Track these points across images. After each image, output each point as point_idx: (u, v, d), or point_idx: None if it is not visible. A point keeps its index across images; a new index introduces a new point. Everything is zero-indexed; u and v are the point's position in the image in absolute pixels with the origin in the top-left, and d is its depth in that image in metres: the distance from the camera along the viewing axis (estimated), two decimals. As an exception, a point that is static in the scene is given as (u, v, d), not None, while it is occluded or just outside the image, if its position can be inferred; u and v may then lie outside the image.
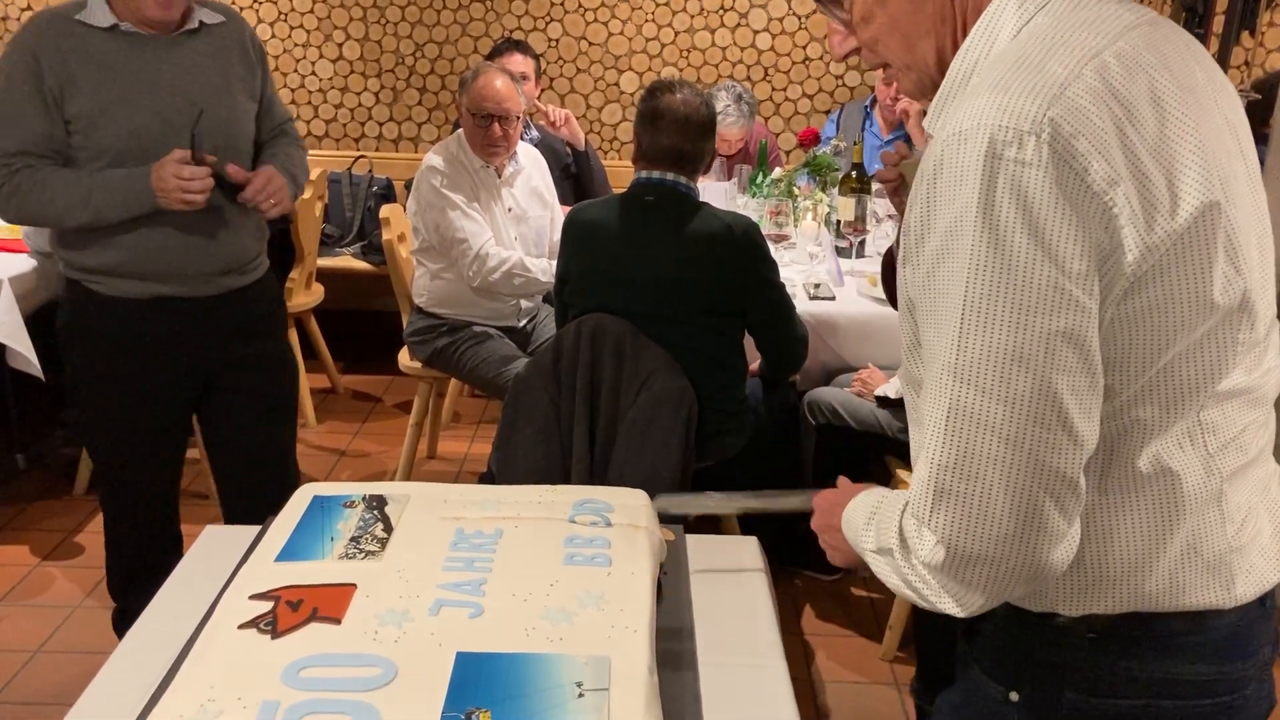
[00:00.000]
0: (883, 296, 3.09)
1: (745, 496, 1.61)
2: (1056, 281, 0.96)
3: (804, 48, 4.96)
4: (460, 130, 3.34)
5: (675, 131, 2.50)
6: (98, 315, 2.20)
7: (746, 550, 1.60)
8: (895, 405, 2.85)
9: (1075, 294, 0.97)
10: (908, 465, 2.85)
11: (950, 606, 1.03)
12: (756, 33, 4.94)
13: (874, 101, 4.43)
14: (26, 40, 2.06)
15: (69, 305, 2.25)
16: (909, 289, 1.09)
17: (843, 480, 1.32)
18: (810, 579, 3.19)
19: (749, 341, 2.71)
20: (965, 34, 1.09)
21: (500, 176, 3.33)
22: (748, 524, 2.75)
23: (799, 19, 4.93)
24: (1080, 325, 0.97)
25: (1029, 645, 1.11)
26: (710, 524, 2.78)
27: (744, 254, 2.50)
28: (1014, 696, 1.13)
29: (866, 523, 1.13)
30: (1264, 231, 1.12)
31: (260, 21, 5.05)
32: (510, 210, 3.37)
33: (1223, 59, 3.13)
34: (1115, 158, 0.97)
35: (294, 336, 4.26)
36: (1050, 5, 1.06)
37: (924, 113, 1.14)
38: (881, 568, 1.11)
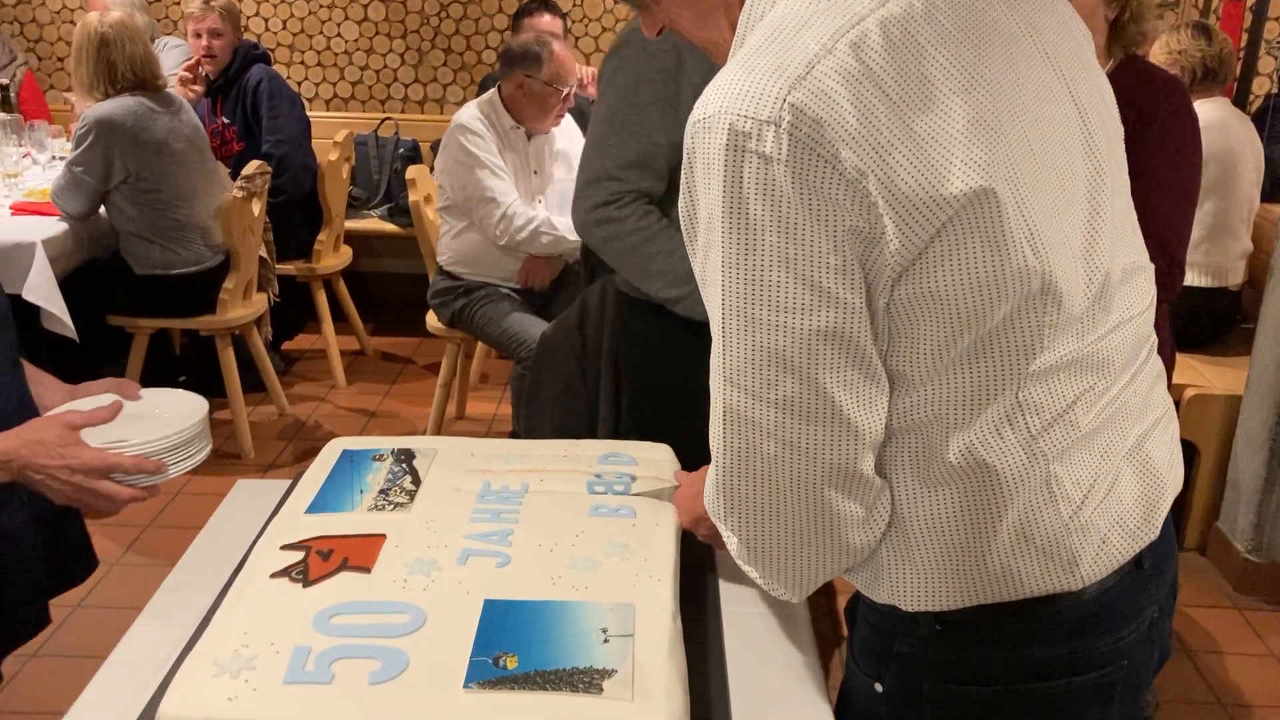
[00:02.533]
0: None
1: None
2: (811, 279, 0.91)
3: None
4: (493, 92, 3.34)
5: None
6: None
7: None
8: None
9: (833, 290, 0.91)
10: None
11: (777, 592, 1.05)
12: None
13: None
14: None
15: None
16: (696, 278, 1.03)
17: (680, 475, 1.37)
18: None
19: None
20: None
21: (529, 139, 3.34)
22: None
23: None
24: (842, 321, 0.92)
25: (887, 637, 1.09)
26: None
27: None
28: (879, 687, 1.11)
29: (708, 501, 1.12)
30: (1092, 186, 1.04)
31: (285, -17, 5.05)
32: (536, 173, 3.38)
33: None
34: (864, 145, 0.89)
35: (322, 299, 4.30)
36: None
37: None
38: (728, 539, 1.09)
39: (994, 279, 0.93)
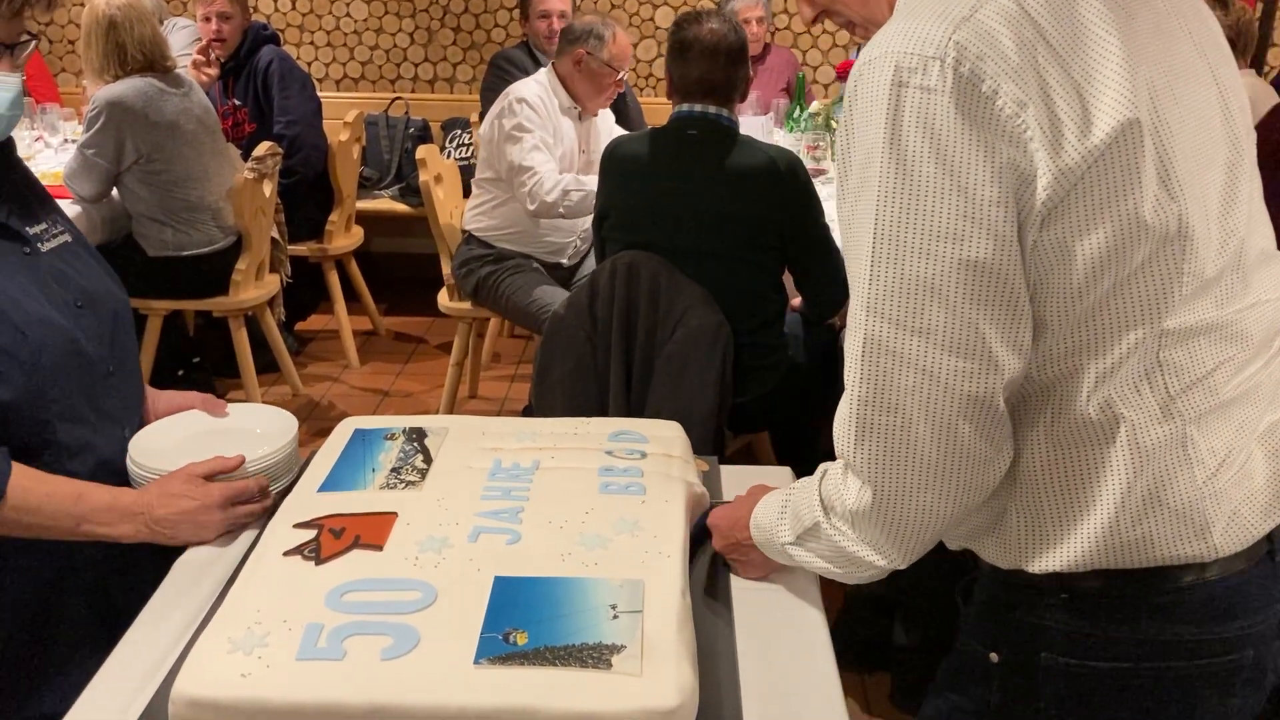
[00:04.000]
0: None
1: None
2: (966, 210, 0.94)
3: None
4: (550, 70, 3.37)
5: (705, 61, 2.49)
6: None
7: (780, 479, 1.61)
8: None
9: (987, 221, 0.94)
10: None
11: (875, 559, 1.06)
12: (793, -36, 4.86)
13: None
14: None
15: None
16: (839, 225, 1.06)
17: (727, 507, 1.36)
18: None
19: (789, 278, 2.70)
20: None
21: (582, 120, 3.37)
22: (783, 458, 2.76)
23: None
24: (994, 253, 0.95)
25: (1009, 606, 1.09)
26: (745, 455, 2.80)
27: (787, 188, 2.48)
28: (994, 657, 1.11)
29: (779, 516, 1.16)
30: (1231, 160, 1.07)
31: (294, -37, 5.04)
32: (583, 152, 3.41)
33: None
34: (1025, 79, 0.93)
35: (335, 279, 4.31)
36: None
37: None
38: (803, 554, 1.14)
39: (1134, 216, 0.95)
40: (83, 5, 3.42)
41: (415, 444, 1.53)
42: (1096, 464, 1.00)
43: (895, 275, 0.96)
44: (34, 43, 1.46)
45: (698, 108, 2.53)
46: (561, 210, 3.24)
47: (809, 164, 3.43)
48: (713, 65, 2.49)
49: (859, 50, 4.52)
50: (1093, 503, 1.01)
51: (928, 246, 0.95)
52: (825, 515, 1.09)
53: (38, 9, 1.41)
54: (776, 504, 1.19)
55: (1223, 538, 1.02)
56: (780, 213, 2.50)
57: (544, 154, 3.24)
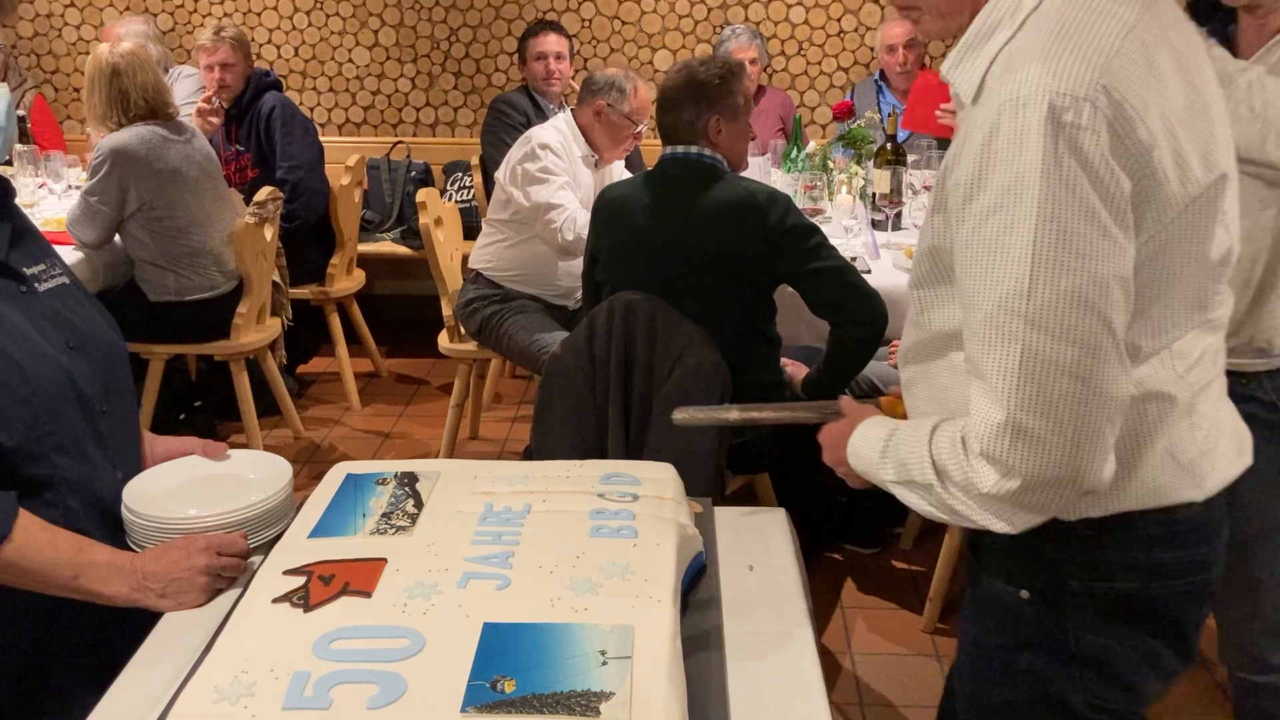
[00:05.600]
0: (919, 268, 3.06)
1: (762, 408, 1.68)
2: (1110, 231, 1.08)
3: (838, 20, 4.92)
4: (568, 116, 3.43)
5: (660, 109, 2.61)
6: None
7: (774, 521, 1.61)
8: (932, 377, 2.83)
9: (1123, 243, 1.10)
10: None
11: (999, 526, 1.17)
12: (790, 6, 4.91)
13: (882, 74, 4.55)
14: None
15: None
16: (940, 238, 1.22)
17: (846, 402, 1.47)
18: (851, 552, 3.19)
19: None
20: None
21: (597, 168, 3.41)
22: (785, 498, 2.75)
23: (833, -10, 4.88)
24: (1128, 269, 1.11)
25: (1036, 549, 1.25)
26: (746, 496, 2.79)
27: (766, 220, 2.47)
28: (1024, 595, 1.28)
29: (881, 457, 1.28)
30: (1232, 182, 1.24)
31: (296, 10, 5.11)
32: None
33: None
34: (1154, 123, 1.09)
35: (336, 322, 4.33)
36: None
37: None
38: (906, 494, 1.26)
39: (1208, 252, 1.17)
40: (88, 54, 3.46)
41: (406, 488, 1.53)
42: (1130, 431, 1.18)
43: (1054, 291, 1.08)
44: (2, 55, 1.48)
45: (679, 149, 2.58)
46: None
47: (806, 203, 3.45)
48: (664, 110, 2.60)
49: (854, 91, 4.57)
50: (1126, 462, 1.18)
51: (1081, 264, 1.07)
52: (941, 482, 1.19)
53: None
54: (877, 442, 1.29)
55: (1212, 484, 1.25)
56: (760, 245, 2.48)
57: (570, 193, 3.30)
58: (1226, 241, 1.19)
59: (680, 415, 1.65)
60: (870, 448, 1.30)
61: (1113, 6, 1.13)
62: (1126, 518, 1.22)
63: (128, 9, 5.09)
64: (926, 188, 3.70)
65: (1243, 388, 1.74)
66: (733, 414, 1.63)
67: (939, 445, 1.19)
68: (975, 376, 1.15)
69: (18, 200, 1.62)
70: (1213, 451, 1.25)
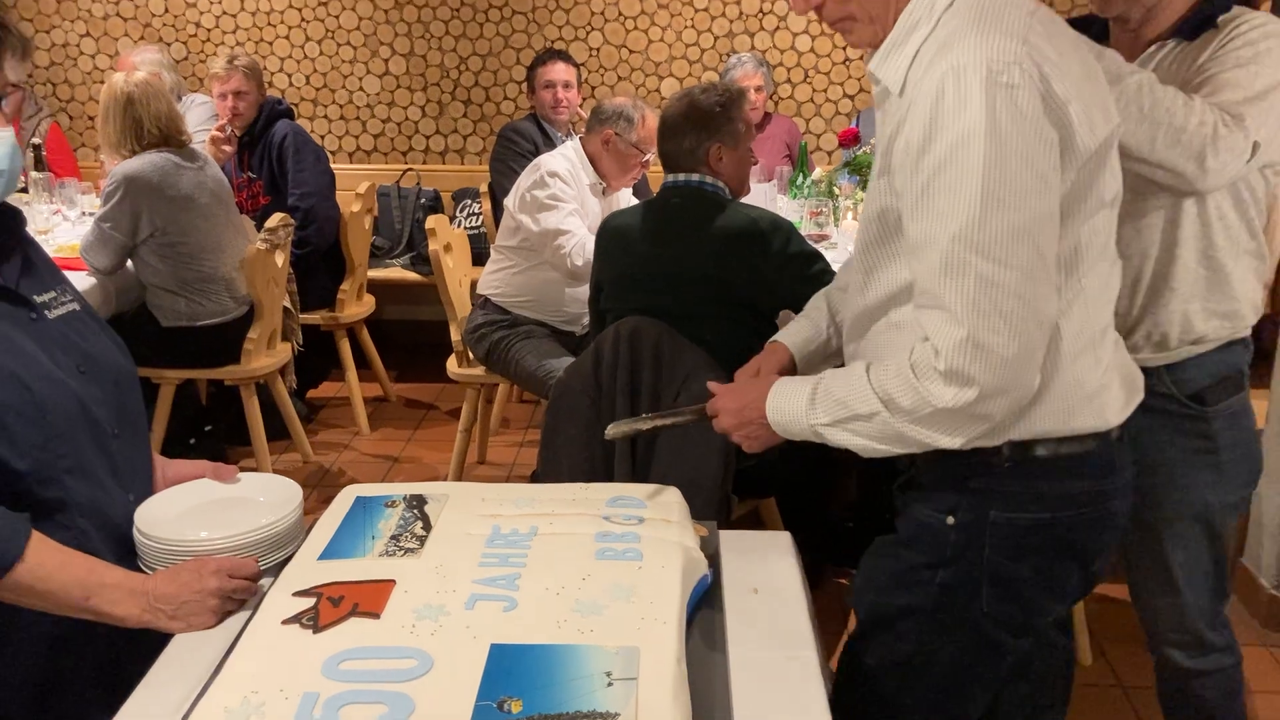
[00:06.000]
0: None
1: (670, 414, 1.74)
2: (1042, 172, 1.26)
3: (844, 48, 4.96)
4: (577, 145, 3.46)
5: (661, 137, 2.64)
6: None
7: (779, 545, 1.62)
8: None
9: (1052, 181, 1.28)
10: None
11: (947, 441, 1.34)
12: (796, 35, 4.96)
13: None
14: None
15: None
16: (886, 198, 1.39)
17: (733, 390, 1.60)
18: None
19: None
20: None
21: (605, 195, 3.44)
22: (791, 522, 2.76)
23: (839, 19, 4.93)
24: (1054, 205, 1.29)
25: (962, 477, 1.44)
26: (750, 521, 2.79)
27: (766, 245, 2.49)
28: (950, 520, 1.46)
29: (810, 403, 1.42)
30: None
31: (308, 39, 5.17)
32: None
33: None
34: (1066, 85, 1.28)
35: (346, 347, 4.36)
36: None
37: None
38: (841, 434, 1.41)
39: (1104, 193, 1.36)
40: (103, 82, 3.51)
41: (415, 511, 1.54)
42: (1048, 355, 1.34)
43: (998, 224, 1.25)
44: (19, 94, 1.50)
45: (680, 177, 2.60)
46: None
47: (812, 229, 3.47)
48: (665, 138, 2.63)
49: (859, 118, 4.59)
50: (1043, 384, 1.35)
51: (1021, 201, 1.25)
52: (887, 409, 1.35)
53: (11, 61, 1.45)
54: (803, 393, 1.44)
55: (1112, 415, 1.43)
56: (763, 272, 2.50)
57: (578, 220, 3.33)
58: (1115, 186, 1.39)
59: (612, 431, 1.71)
60: (795, 398, 1.45)
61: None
62: (1039, 454, 1.41)
63: (142, 38, 5.16)
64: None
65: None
66: (646, 424, 1.70)
67: (881, 378, 1.35)
68: (932, 308, 1.31)
69: (32, 226, 1.65)
70: (1110, 387, 1.43)
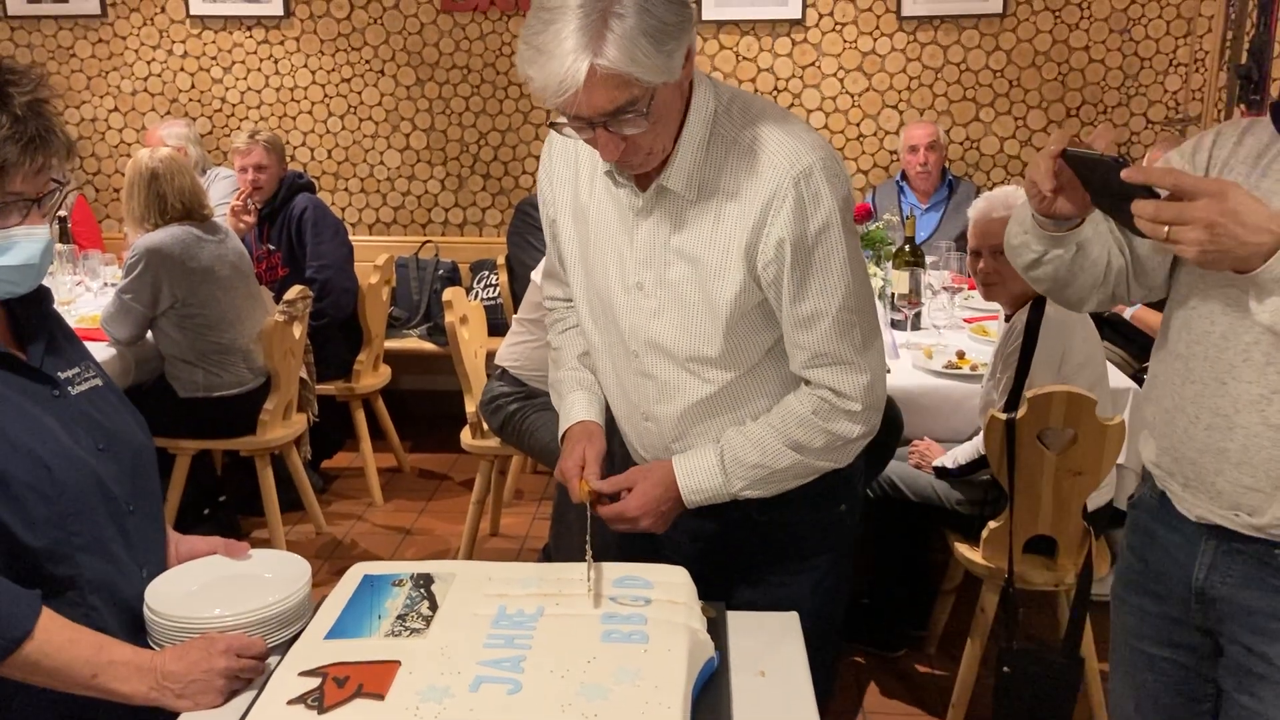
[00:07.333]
0: (938, 369, 3.09)
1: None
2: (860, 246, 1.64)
3: (858, 125, 5.03)
4: None
5: None
6: None
7: (787, 626, 1.61)
8: (953, 476, 2.83)
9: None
10: (966, 538, 2.82)
11: (847, 460, 1.69)
12: (810, 111, 5.02)
13: (903, 175, 4.66)
14: None
15: None
16: (751, 295, 1.60)
17: (637, 496, 1.67)
18: (873, 655, 3.15)
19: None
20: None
21: None
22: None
23: (852, 97, 5.00)
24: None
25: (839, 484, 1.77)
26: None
27: None
28: (843, 508, 1.79)
29: (726, 477, 1.64)
30: None
31: (331, 115, 5.27)
32: None
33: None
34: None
35: (361, 418, 4.38)
36: (718, 89, 1.58)
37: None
38: (756, 490, 1.65)
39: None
40: (130, 156, 3.59)
41: (422, 590, 1.54)
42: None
43: (861, 288, 1.60)
44: (61, 193, 1.53)
45: None
46: None
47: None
48: None
49: (874, 194, 4.64)
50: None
51: (861, 269, 1.60)
52: (799, 453, 1.63)
53: (57, 161, 1.49)
54: (713, 471, 1.65)
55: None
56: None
57: None
58: None
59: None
60: (708, 477, 1.65)
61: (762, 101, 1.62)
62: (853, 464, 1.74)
63: (169, 113, 5.28)
64: (945, 288, 3.74)
65: None
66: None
67: (786, 432, 1.62)
68: (830, 365, 1.60)
69: (55, 297, 1.68)
70: None
